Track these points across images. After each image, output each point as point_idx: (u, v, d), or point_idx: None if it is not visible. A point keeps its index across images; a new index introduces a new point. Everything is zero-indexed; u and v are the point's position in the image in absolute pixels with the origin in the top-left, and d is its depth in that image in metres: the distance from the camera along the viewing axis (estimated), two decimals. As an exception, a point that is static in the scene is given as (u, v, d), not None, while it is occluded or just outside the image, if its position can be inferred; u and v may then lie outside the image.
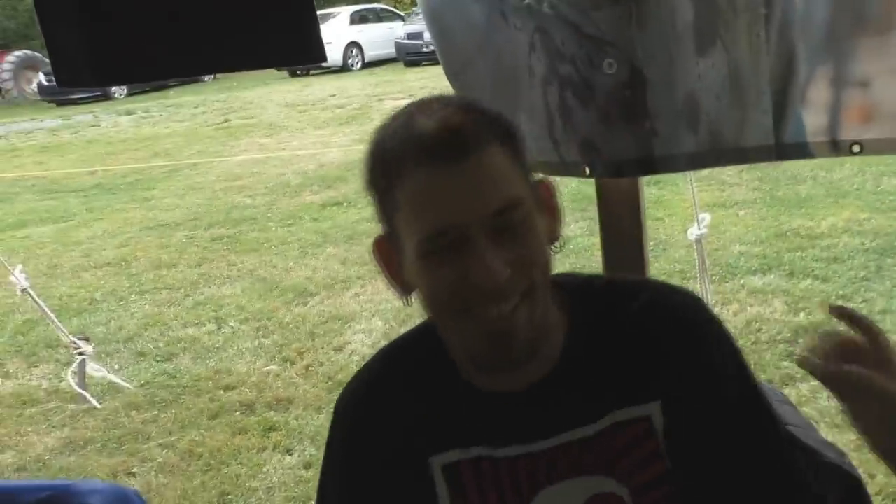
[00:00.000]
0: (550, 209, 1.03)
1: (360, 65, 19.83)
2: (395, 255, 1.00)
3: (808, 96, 1.32)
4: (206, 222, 7.15)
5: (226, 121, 13.52)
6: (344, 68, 19.20)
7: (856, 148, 1.31)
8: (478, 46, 1.59)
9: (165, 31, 1.46)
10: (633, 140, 1.41)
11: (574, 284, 1.09)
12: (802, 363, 0.98)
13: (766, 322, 3.75)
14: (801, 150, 1.34)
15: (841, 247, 4.43)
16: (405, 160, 0.94)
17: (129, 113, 15.66)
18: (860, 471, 1.24)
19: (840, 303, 3.82)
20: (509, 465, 1.03)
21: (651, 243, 4.73)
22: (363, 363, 1.14)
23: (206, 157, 10.56)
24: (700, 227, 2.68)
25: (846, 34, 1.28)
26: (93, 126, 15.12)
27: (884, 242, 4.40)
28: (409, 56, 18.33)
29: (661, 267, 4.47)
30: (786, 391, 3.21)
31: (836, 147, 1.32)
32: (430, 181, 0.93)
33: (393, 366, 1.11)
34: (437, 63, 1.61)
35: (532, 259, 0.96)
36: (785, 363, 3.40)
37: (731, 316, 3.83)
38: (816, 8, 1.29)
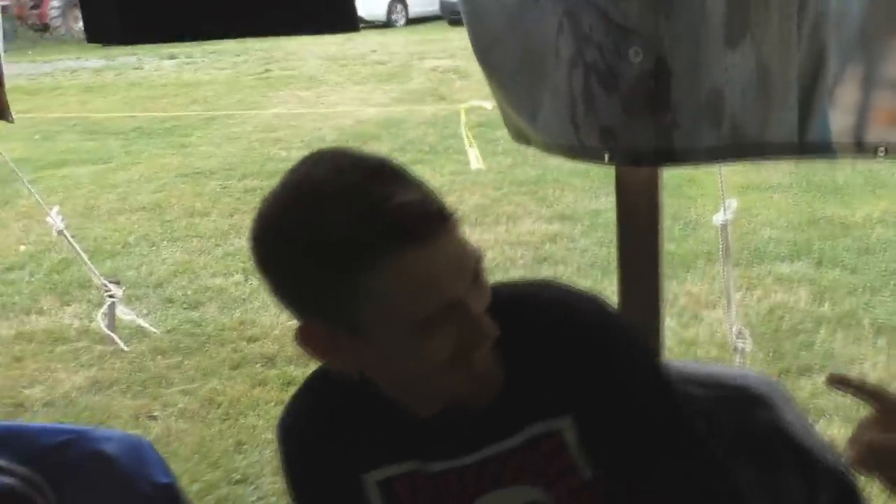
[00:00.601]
0: None
1: (403, 21, 19.68)
2: (331, 339, 0.97)
3: (836, 95, 1.31)
4: (241, 173, 7.21)
5: (266, 71, 13.53)
6: (387, 23, 19.06)
7: (881, 151, 1.30)
8: (507, 25, 1.59)
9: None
10: (653, 131, 1.41)
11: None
12: None
13: (789, 310, 3.73)
14: (824, 150, 1.33)
15: (874, 238, 4.38)
16: (377, 245, 0.87)
17: (171, 57, 15.71)
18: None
19: (867, 296, 3.79)
20: (441, 478, 1.08)
21: (681, 223, 4.70)
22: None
23: (244, 107, 10.61)
24: (726, 213, 2.66)
25: (880, 33, 1.27)
26: (136, 69, 15.21)
27: (918, 236, 4.35)
28: (453, 15, 18.12)
29: (688, 247, 4.45)
30: (802, 382, 3.21)
31: (862, 148, 1.31)
32: (419, 263, 0.88)
33: (322, 393, 1.13)
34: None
35: (487, 297, 0.98)
36: (804, 353, 3.39)
37: (755, 302, 3.82)
38: (851, 5, 1.28)
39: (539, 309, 1.07)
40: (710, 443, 1.10)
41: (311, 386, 1.15)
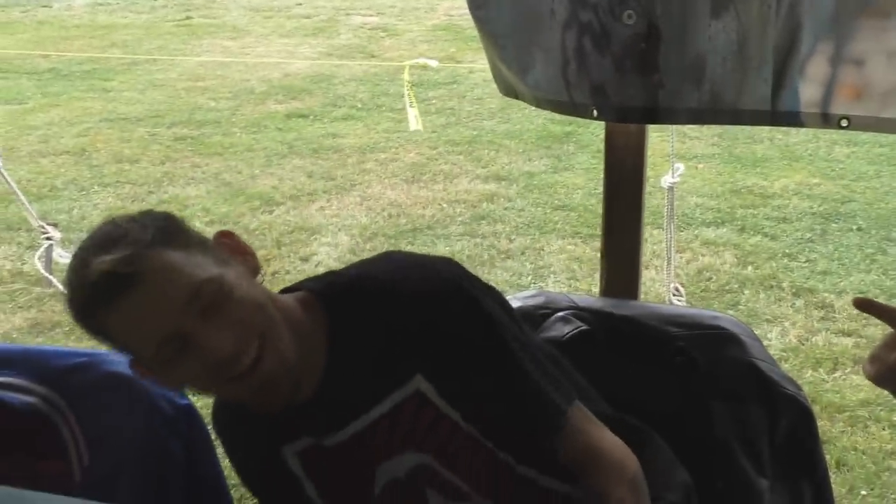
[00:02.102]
0: (241, 252, 1.19)
1: (328, -26, 19.32)
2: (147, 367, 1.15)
3: (806, 69, 1.44)
4: (169, 121, 7.07)
5: (187, 18, 13.14)
6: (311, -24, 18.68)
7: (844, 122, 1.44)
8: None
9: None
10: (641, 90, 1.52)
11: (320, 289, 1.23)
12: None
13: (716, 272, 3.95)
14: (793, 119, 1.47)
15: (790, 208, 4.65)
16: (91, 304, 1.08)
17: (84, -3, 15.10)
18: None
19: (785, 261, 4.05)
20: (337, 451, 1.22)
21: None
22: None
23: (166, 53, 10.31)
24: (674, 175, 2.82)
25: (850, 14, 1.40)
26: (44, 6, 14.54)
27: (830, 207, 4.63)
28: (379, -29, 17.91)
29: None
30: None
31: (826, 119, 1.45)
32: (121, 314, 1.06)
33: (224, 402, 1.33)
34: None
35: (246, 313, 1.09)
36: (731, 311, 3.61)
37: (685, 264, 4.03)
38: (826, -14, 1.41)
39: (382, 284, 1.21)
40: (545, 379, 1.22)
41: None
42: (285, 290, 1.26)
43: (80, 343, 3.48)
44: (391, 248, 4.41)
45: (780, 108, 1.48)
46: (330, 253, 4.41)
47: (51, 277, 3.94)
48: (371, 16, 13.17)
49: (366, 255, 4.55)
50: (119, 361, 1.36)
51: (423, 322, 1.17)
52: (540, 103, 1.67)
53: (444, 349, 1.17)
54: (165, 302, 1.05)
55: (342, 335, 1.19)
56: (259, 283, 1.17)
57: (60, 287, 3.92)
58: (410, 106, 4.81)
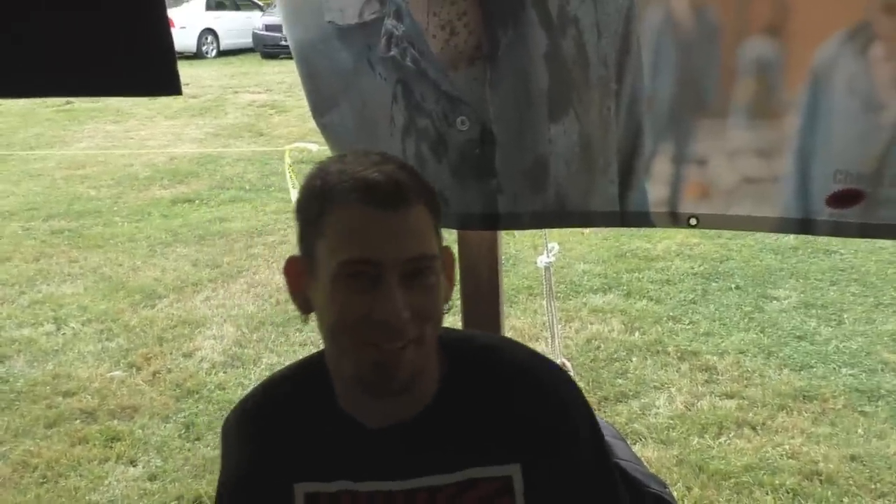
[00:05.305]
0: (449, 275, 1.15)
1: (214, 52, 19.26)
2: (304, 276, 1.10)
3: (651, 169, 1.45)
4: (45, 213, 6.81)
5: (68, 102, 12.83)
6: (198, 55, 18.59)
7: (693, 221, 1.45)
8: (343, 91, 1.63)
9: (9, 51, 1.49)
10: (479, 196, 1.50)
11: (453, 338, 1.18)
12: None
13: (604, 340, 3.98)
14: (643, 219, 1.47)
15: (673, 269, 4.75)
16: (343, 196, 1.04)
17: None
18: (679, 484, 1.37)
19: (670, 324, 4.11)
20: (367, 499, 1.12)
21: (504, 258, 4.89)
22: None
23: (44, 141, 10.01)
24: (549, 255, 2.83)
25: (687, 115, 1.42)
26: (-84, 97, 13.99)
27: (710, 267, 4.76)
28: (266, 48, 17.96)
29: (510, 282, 4.65)
30: (619, 407, 3.45)
31: (676, 218, 1.45)
32: (362, 218, 1.03)
33: (273, 394, 1.20)
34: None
35: (429, 311, 1.06)
36: (619, 380, 3.63)
37: (574, 333, 4.05)
38: (662, 88, 1.41)
39: (507, 359, 1.17)
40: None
41: (266, 385, 1.21)
42: None
43: None
44: (279, 337, 4.29)
45: (630, 209, 1.48)
46: (214, 346, 4.26)
47: None
48: (259, 93, 13.14)
49: (253, 346, 4.39)
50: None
51: (545, 415, 1.13)
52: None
53: (557, 455, 1.12)
54: (400, 242, 1.04)
55: (456, 385, 1.13)
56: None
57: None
58: (294, 188, 4.77)
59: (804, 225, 1.38)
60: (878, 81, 1.30)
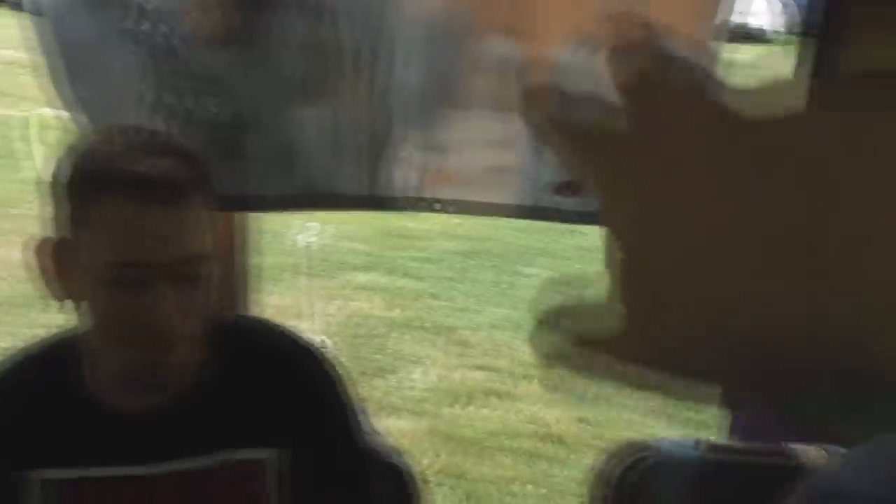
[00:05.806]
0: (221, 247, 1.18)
1: (-50, 0, 17.36)
2: (62, 262, 1.04)
3: (400, 155, 1.52)
4: None
5: None
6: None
7: (437, 205, 1.54)
8: (89, 62, 1.56)
9: None
10: (227, 177, 1.50)
11: (212, 322, 1.17)
12: None
13: (365, 317, 4.07)
14: (391, 203, 1.54)
15: (435, 248, 4.93)
16: (111, 187, 0.98)
17: None
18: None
19: (429, 301, 4.28)
20: (116, 486, 1.09)
21: (268, 235, 4.80)
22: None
23: None
24: (308, 235, 2.86)
25: (434, 104, 1.50)
26: None
27: (470, 246, 4.98)
28: (13, -1, 16.44)
29: (274, 260, 4.59)
30: (376, 382, 3.56)
31: (421, 203, 1.53)
32: (132, 215, 0.98)
33: (6, 376, 1.13)
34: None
35: (200, 307, 1.05)
36: (378, 356, 3.74)
37: (336, 311, 4.10)
38: (411, 78, 1.48)
39: (263, 342, 1.18)
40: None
41: (10, 360, 1.14)
42: None
43: None
44: (17, 320, 3.98)
45: (378, 193, 1.54)
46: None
47: None
48: (7, 48, 11.99)
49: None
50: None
51: (301, 399, 1.14)
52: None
53: (312, 440, 1.14)
54: (171, 243, 1.00)
55: (212, 370, 1.11)
56: None
57: None
58: (40, 157, 4.45)
59: (535, 211, 1.51)
60: (605, 83, 1.44)
